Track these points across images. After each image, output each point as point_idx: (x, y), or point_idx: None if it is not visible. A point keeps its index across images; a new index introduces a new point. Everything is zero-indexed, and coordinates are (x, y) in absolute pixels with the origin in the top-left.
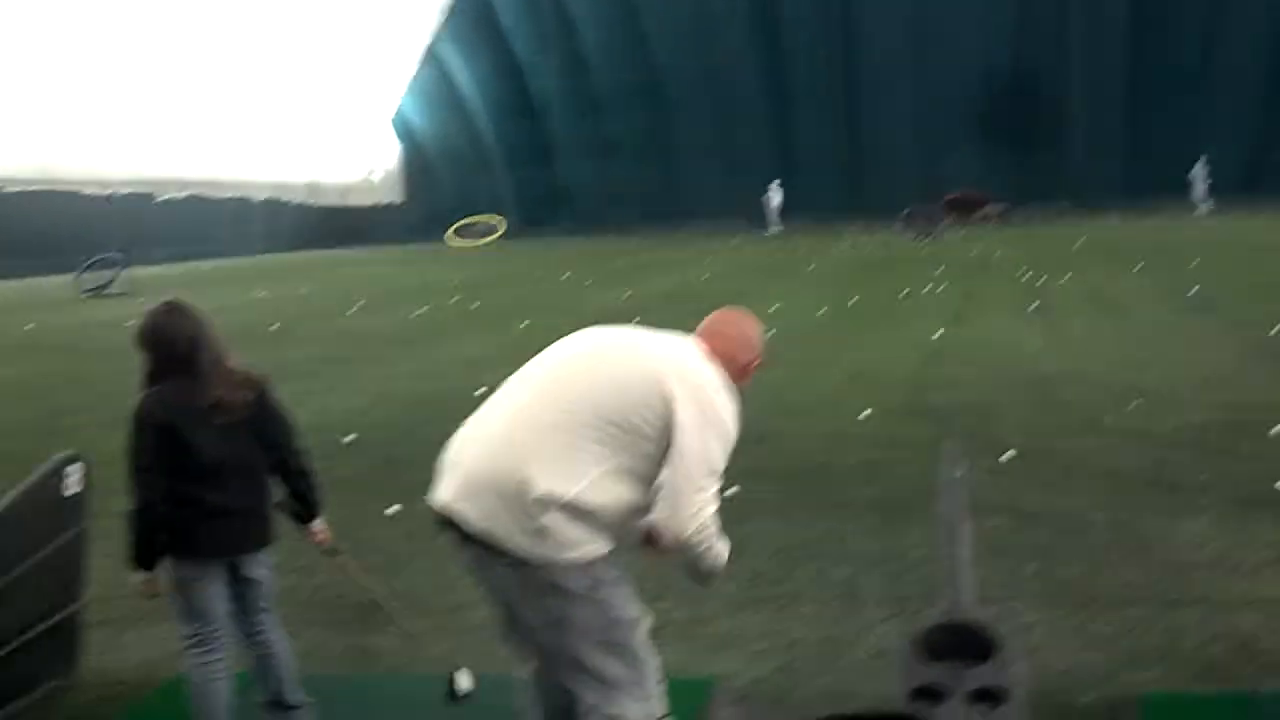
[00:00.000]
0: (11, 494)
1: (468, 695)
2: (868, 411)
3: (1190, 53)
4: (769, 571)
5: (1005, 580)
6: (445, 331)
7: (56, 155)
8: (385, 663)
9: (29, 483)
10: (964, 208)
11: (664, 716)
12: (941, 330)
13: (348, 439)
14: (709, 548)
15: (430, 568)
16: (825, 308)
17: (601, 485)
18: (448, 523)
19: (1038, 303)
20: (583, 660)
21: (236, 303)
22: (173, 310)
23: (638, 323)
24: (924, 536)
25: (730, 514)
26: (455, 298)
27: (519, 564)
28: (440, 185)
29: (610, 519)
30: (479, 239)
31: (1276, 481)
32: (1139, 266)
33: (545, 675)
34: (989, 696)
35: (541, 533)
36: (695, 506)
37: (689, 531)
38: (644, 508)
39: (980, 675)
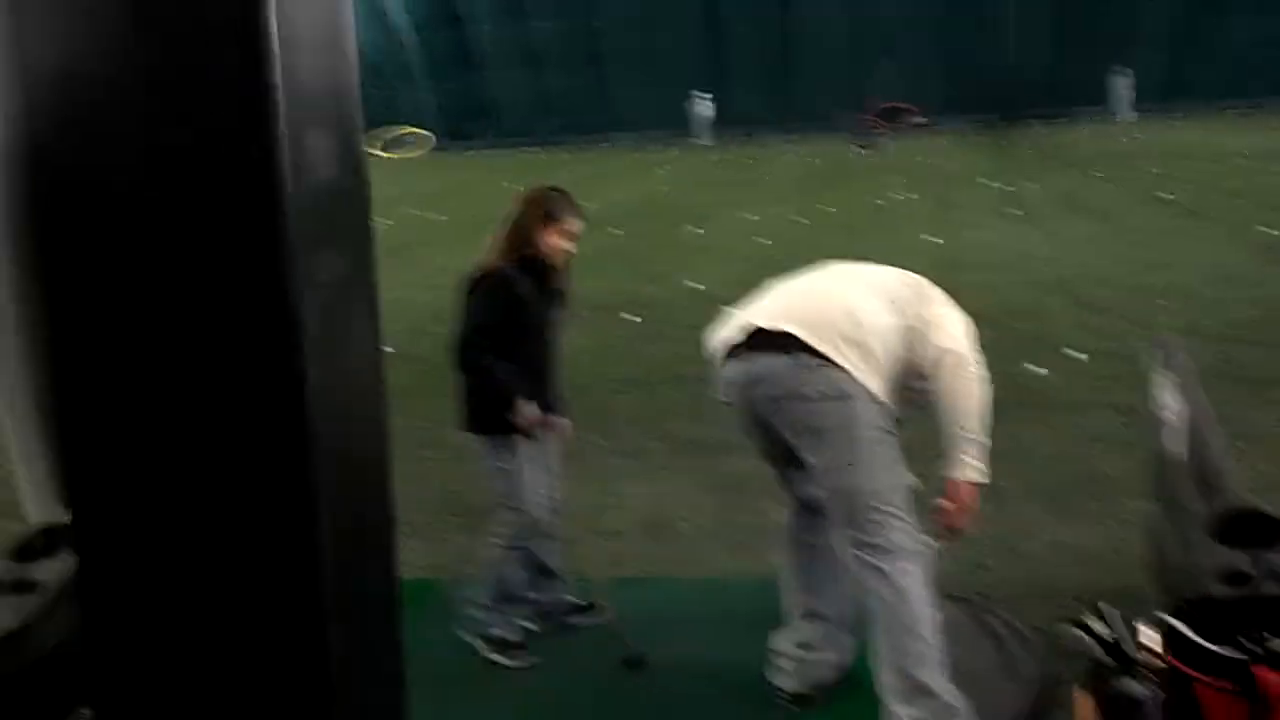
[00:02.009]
0: None
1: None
2: None
3: None
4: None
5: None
6: (425, 243)
7: None
8: None
9: None
10: (892, 118)
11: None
12: (941, 238)
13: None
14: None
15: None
16: (805, 218)
17: (894, 333)
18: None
19: (1020, 210)
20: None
21: None
22: None
23: (617, 234)
24: (1049, 434)
25: None
26: (413, 210)
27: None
28: (361, 96)
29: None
30: (407, 151)
31: None
32: (1099, 174)
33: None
34: None
35: (865, 353)
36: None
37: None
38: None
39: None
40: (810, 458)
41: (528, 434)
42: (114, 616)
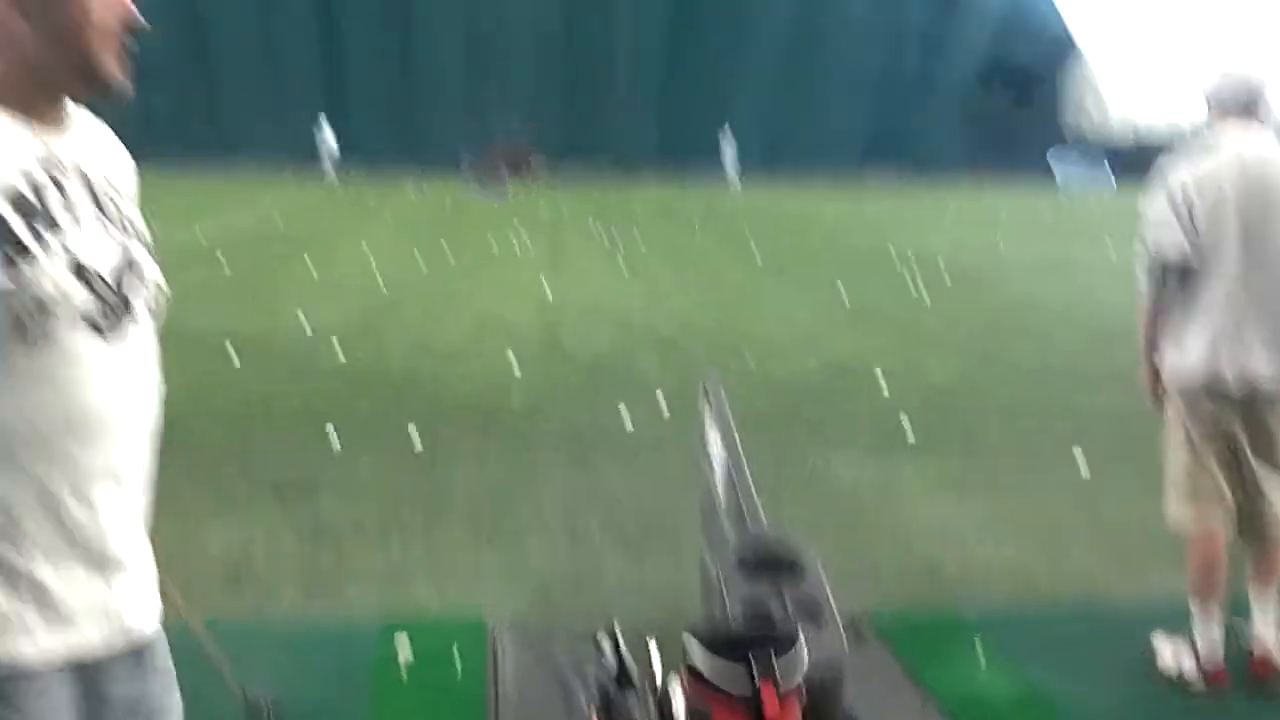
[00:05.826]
0: None
1: None
2: (514, 360)
3: (721, 31)
4: (486, 511)
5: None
6: None
7: None
8: None
9: None
10: (512, 159)
11: None
12: (549, 285)
13: None
14: None
15: None
16: (423, 261)
17: None
18: None
19: (624, 260)
20: None
21: None
22: None
23: (223, 263)
24: (623, 473)
25: (421, 461)
26: None
27: None
28: None
29: None
30: None
31: (899, 415)
32: (701, 230)
33: None
34: (807, 607)
35: None
36: None
37: None
38: None
39: (797, 589)
40: None
41: None
42: None
